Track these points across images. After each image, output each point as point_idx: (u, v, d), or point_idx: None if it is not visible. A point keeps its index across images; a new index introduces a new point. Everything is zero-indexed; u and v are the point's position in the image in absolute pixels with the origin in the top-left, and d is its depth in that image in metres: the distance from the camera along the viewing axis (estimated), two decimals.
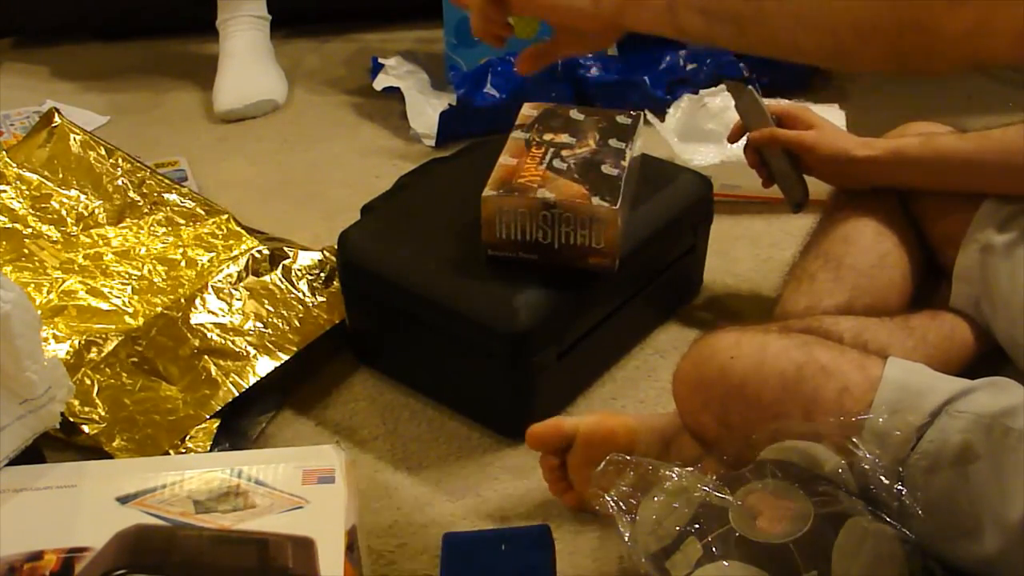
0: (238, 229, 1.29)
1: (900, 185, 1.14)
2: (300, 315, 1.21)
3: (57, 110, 1.40)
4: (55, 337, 1.12)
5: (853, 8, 0.71)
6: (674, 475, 0.84)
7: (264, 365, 1.15)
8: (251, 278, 1.22)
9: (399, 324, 1.16)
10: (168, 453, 1.07)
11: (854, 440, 0.81)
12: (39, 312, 1.02)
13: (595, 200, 1.04)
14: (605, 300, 1.15)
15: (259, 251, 1.24)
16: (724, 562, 0.77)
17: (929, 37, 0.68)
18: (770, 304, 1.20)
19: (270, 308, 1.20)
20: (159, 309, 1.17)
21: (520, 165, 1.09)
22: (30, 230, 1.26)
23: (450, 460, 1.11)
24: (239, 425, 1.13)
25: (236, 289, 1.20)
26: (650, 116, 1.61)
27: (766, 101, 1.26)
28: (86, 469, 0.91)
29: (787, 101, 1.58)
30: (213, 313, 1.18)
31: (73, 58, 2.04)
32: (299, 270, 1.24)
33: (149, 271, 1.23)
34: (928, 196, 1.12)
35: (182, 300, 1.18)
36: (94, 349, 1.11)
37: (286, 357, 1.16)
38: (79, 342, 1.12)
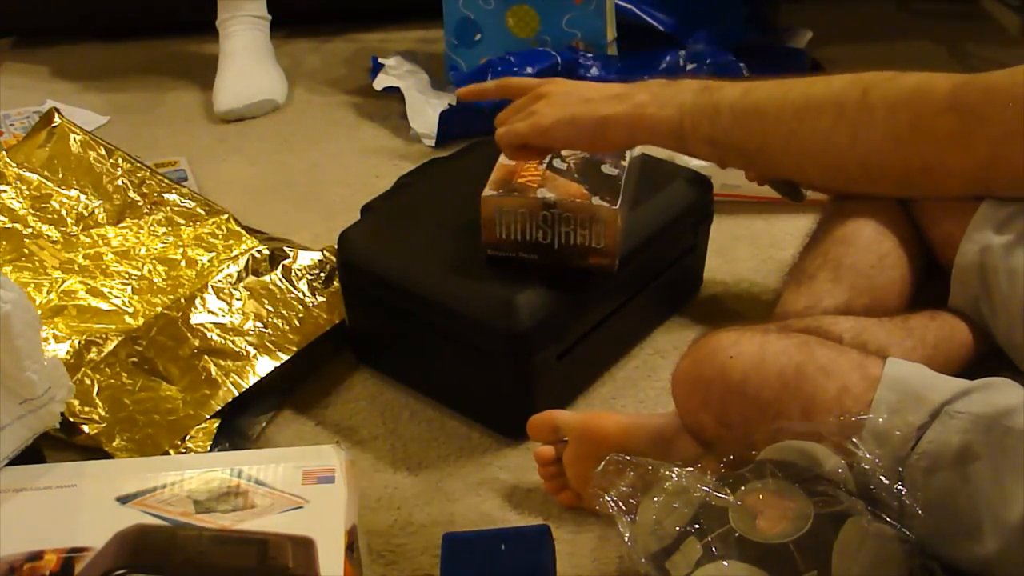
0: (238, 229, 1.29)
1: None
2: (300, 315, 1.21)
3: (57, 110, 1.40)
4: (55, 337, 1.12)
5: (857, 151, 0.71)
6: (674, 475, 0.84)
7: (264, 365, 1.15)
8: (251, 278, 1.22)
9: (399, 324, 1.16)
10: (168, 453, 1.07)
11: (854, 440, 0.81)
12: (39, 312, 1.03)
13: (595, 200, 1.04)
14: (605, 300, 1.15)
15: (259, 251, 1.25)
16: (724, 562, 0.77)
17: (937, 175, 0.68)
18: (770, 304, 1.20)
19: (270, 308, 1.20)
20: (159, 309, 1.17)
21: (520, 165, 1.09)
22: (30, 230, 1.26)
23: (450, 460, 1.11)
24: (239, 425, 1.13)
25: (236, 289, 1.21)
26: None
27: None
28: (86, 469, 0.91)
29: None
30: (213, 313, 1.18)
31: (73, 58, 2.04)
32: (299, 270, 1.24)
33: (149, 271, 1.23)
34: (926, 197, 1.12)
35: (182, 300, 1.18)
36: (94, 349, 1.11)
37: (286, 357, 1.17)
38: (79, 342, 1.12)
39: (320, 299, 1.23)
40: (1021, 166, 0.64)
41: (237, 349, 1.15)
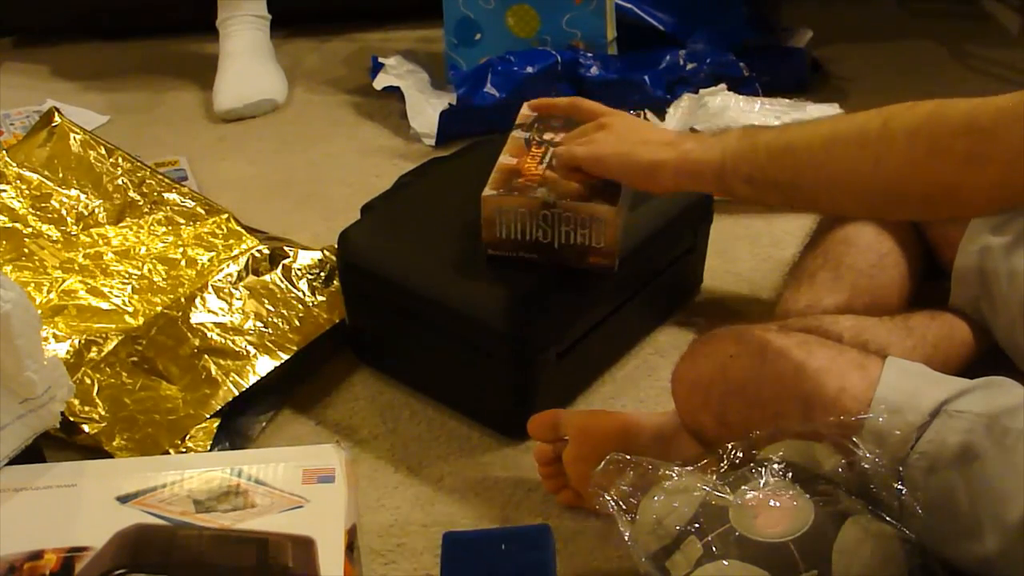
0: (238, 228, 1.29)
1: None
2: (300, 314, 1.21)
3: (57, 109, 1.40)
4: (55, 336, 1.12)
5: (881, 176, 0.75)
6: (674, 475, 0.84)
7: (264, 364, 1.15)
8: (251, 277, 1.22)
9: (399, 324, 1.16)
10: (168, 452, 1.07)
11: (854, 439, 0.81)
12: (39, 312, 1.03)
13: (595, 200, 1.04)
14: (605, 300, 1.15)
15: (259, 250, 1.24)
16: (724, 561, 0.77)
17: (956, 196, 0.73)
18: (770, 304, 1.20)
19: (270, 307, 1.20)
20: (159, 308, 1.17)
21: (520, 164, 1.09)
22: (30, 229, 1.26)
23: (450, 460, 1.11)
24: (239, 425, 1.13)
25: (236, 288, 1.20)
26: (650, 116, 1.61)
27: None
28: (86, 468, 0.91)
29: (787, 100, 1.58)
30: (213, 312, 1.18)
31: (73, 58, 2.04)
32: (299, 269, 1.24)
33: (149, 270, 1.23)
34: None
35: (182, 299, 1.18)
36: (94, 348, 1.11)
37: (286, 356, 1.17)
38: (79, 341, 1.12)
39: (320, 299, 1.23)
40: None
41: (237, 349, 1.15)
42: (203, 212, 1.31)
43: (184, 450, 1.07)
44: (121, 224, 1.29)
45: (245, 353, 1.15)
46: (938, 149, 0.72)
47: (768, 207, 1.19)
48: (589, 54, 1.71)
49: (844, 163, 0.77)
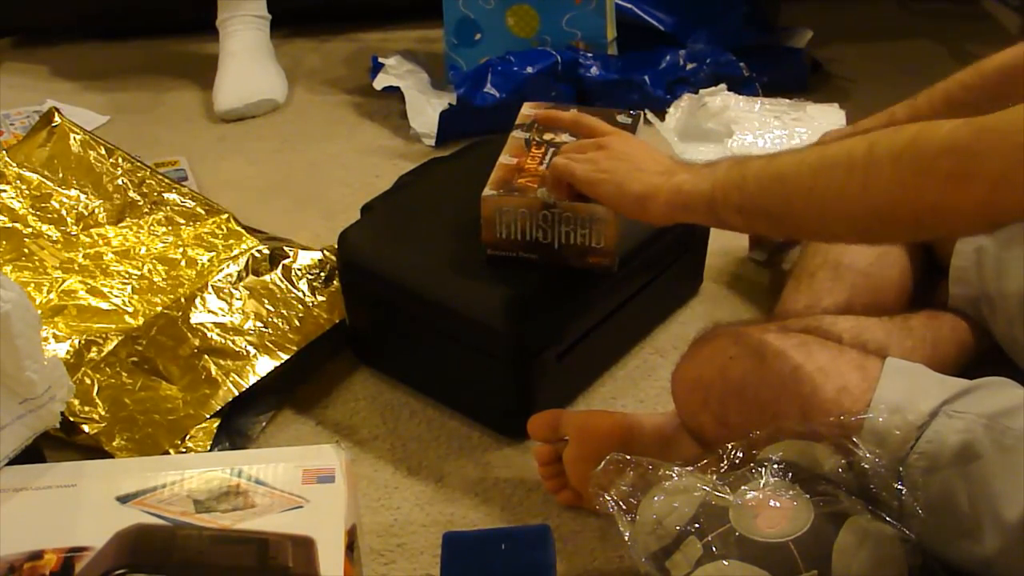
0: (238, 228, 1.29)
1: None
2: (300, 315, 1.21)
3: (57, 109, 1.40)
4: (55, 336, 1.12)
5: (869, 200, 0.76)
6: (674, 475, 0.84)
7: (264, 364, 1.15)
8: (251, 277, 1.22)
9: (399, 324, 1.16)
10: (168, 453, 1.07)
11: (853, 439, 0.81)
12: (39, 312, 1.03)
13: (595, 200, 1.04)
14: (605, 300, 1.15)
15: (259, 250, 1.24)
16: (724, 561, 0.77)
17: (943, 216, 0.74)
18: (770, 304, 1.20)
19: (270, 307, 1.20)
20: (159, 308, 1.17)
21: (520, 164, 1.09)
22: (30, 230, 1.26)
23: (450, 460, 1.11)
24: (239, 425, 1.13)
25: (236, 289, 1.20)
26: (650, 116, 1.61)
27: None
28: (86, 469, 0.91)
29: (787, 100, 1.58)
30: (213, 313, 1.18)
31: (73, 58, 2.04)
32: (299, 269, 1.24)
33: (149, 270, 1.23)
34: None
35: (182, 299, 1.18)
36: (94, 349, 1.11)
37: (286, 357, 1.17)
38: (79, 341, 1.12)
39: (320, 299, 1.23)
40: (1018, 202, 0.67)
41: (237, 349, 1.15)
42: (203, 212, 1.31)
43: (184, 450, 1.07)
44: (121, 224, 1.29)
45: (245, 353, 1.15)
46: (922, 170, 0.72)
47: (753, 232, 1.21)
48: (589, 54, 1.71)
49: (833, 189, 0.77)
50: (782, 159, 0.83)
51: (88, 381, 1.09)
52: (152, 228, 1.29)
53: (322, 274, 1.25)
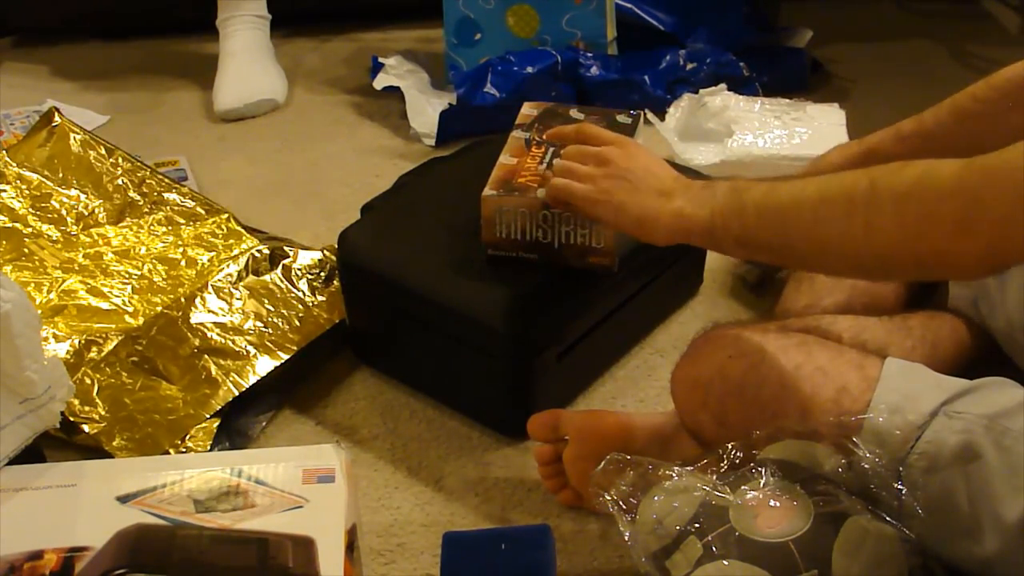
0: (238, 228, 1.29)
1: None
2: (300, 314, 1.21)
3: (57, 109, 1.40)
4: (55, 336, 1.12)
5: (872, 243, 0.75)
6: (674, 475, 0.84)
7: (264, 364, 1.15)
8: (251, 277, 1.22)
9: (399, 324, 1.16)
10: (168, 452, 1.07)
11: (853, 439, 0.81)
12: (39, 311, 1.03)
13: None
14: (605, 300, 1.15)
15: (259, 250, 1.24)
16: (724, 561, 0.77)
17: (948, 260, 0.72)
18: (770, 304, 1.20)
19: (270, 307, 1.20)
20: (159, 308, 1.17)
21: (520, 164, 1.09)
22: (30, 229, 1.26)
23: (450, 460, 1.11)
24: (239, 424, 1.13)
25: (236, 288, 1.20)
26: (650, 116, 1.61)
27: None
28: (86, 468, 0.91)
29: (787, 100, 1.58)
30: (213, 312, 1.18)
31: (73, 58, 2.04)
32: (299, 269, 1.24)
33: (149, 270, 1.23)
34: None
35: (182, 299, 1.18)
36: (94, 348, 1.11)
37: (286, 356, 1.17)
38: (79, 341, 1.12)
39: (320, 299, 1.23)
40: (1021, 247, 0.67)
41: (237, 348, 1.15)
42: (203, 212, 1.31)
43: (184, 450, 1.07)
44: (121, 224, 1.29)
45: (245, 353, 1.15)
46: (927, 215, 0.71)
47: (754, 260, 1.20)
48: (589, 54, 1.71)
49: (834, 229, 0.76)
50: (782, 192, 0.81)
51: (88, 381, 1.09)
52: (152, 228, 1.29)
53: (322, 274, 1.25)
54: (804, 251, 0.81)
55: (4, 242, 1.24)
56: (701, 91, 1.62)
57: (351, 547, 0.84)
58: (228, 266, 1.22)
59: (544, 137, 1.13)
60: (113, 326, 1.15)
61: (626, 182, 0.94)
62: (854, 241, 0.75)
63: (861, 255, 0.76)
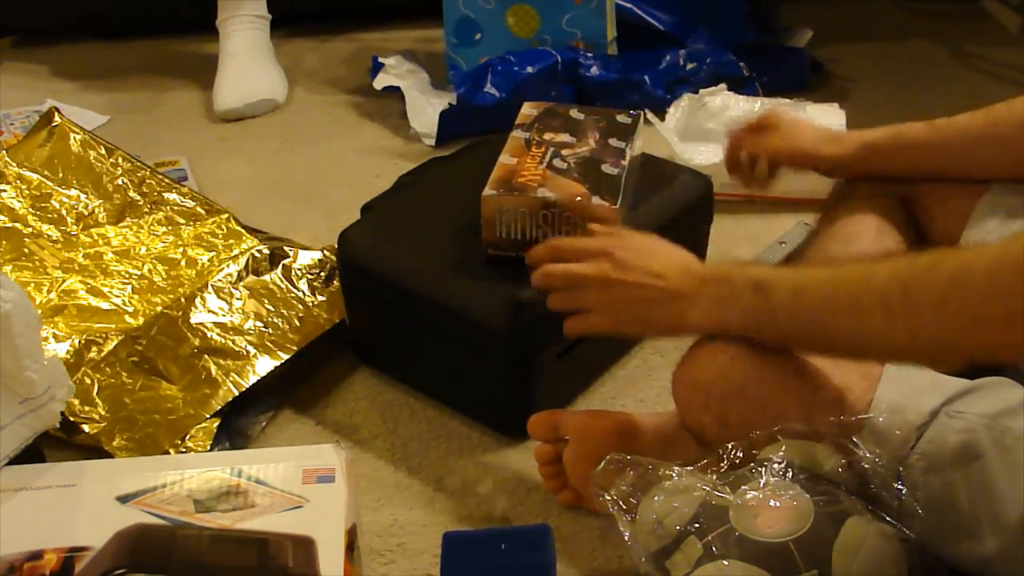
0: (238, 228, 1.29)
1: (874, 176, 1.12)
2: (300, 314, 1.21)
3: (57, 109, 1.40)
4: (55, 336, 1.12)
5: (919, 346, 0.76)
6: (674, 475, 0.84)
7: (264, 364, 1.15)
8: (251, 277, 1.22)
9: (399, 324, 1.16)
10: (168, 452, 1.07)
11: (854, 439, 0.81)
12: (39, 311, 1.03)
13: (595, 199, 1.04)
14: None
15: (259, 250, 1.24)
16: (724, 561, 0.77)
17: (998, 351, 0.73)
18: None
19: (270, 307, 1.20)
20: (159, 308, 1.17)
21: (520, 164, 1.09)
22: (30, 229, 1.26)
23: (450, 460, 1.11)
24: (239, 424, 1.13)
25: (236, 288, 1.20)
26: (650, 116, 1.61)
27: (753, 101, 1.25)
28: (86, 468, 0.91)
29: (787, 100, 1.58)
30: (213, 312, 1.18)
31: (73, 58, 2.04)
32: (299, 269, 1.24)
33: (149, 270, 1.23)
34: (927, 195, 1.12)
35: (182, 299, 1.18)
36: (94, 348, 1.11)
37: (286, 356, 1.16)
38: (79, 341, 1.12)
39: (320, 299, 1.23)
40: None
41: (237, 348, 1.15)
42: (203, 212, 1.31)
43: (184, 450, 1.07)
44: (121, 224, 1.29)
45: (245, 353, 1.15)
46: (969, 316, 0.71)
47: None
48: (589, 54, 1.71)
49: (876, 334, 0.77)
50: (812, 294, 0.81)
51: (88, 381, 1.09)
52: (152, 228, 1.29)
53: (322, 274, 1.25)
54: (849, 353, 0.83)
55: (4, 242, 1.24)
56: (701, 91, 1.62)
57: (351, 547, 0.84)
58: (228, 266, 1.22)
59: (527, 261, 1.03)
60: (113, 326, 1.15)
61: (635, 292, 0.92)
62: (901, 347, 0.77)
63: (909, 354, 0.79)
